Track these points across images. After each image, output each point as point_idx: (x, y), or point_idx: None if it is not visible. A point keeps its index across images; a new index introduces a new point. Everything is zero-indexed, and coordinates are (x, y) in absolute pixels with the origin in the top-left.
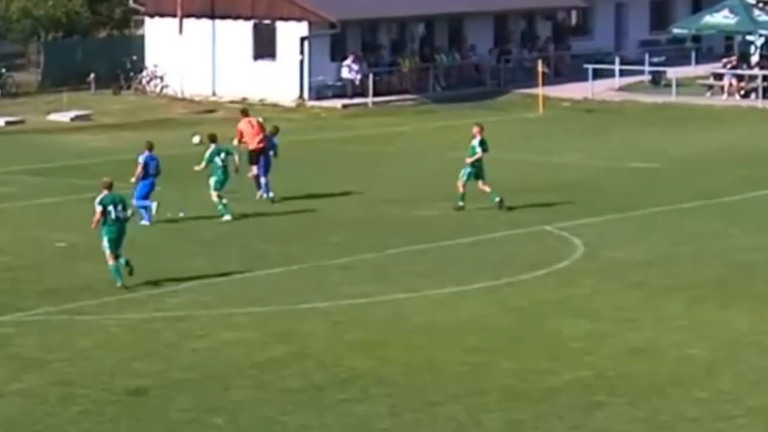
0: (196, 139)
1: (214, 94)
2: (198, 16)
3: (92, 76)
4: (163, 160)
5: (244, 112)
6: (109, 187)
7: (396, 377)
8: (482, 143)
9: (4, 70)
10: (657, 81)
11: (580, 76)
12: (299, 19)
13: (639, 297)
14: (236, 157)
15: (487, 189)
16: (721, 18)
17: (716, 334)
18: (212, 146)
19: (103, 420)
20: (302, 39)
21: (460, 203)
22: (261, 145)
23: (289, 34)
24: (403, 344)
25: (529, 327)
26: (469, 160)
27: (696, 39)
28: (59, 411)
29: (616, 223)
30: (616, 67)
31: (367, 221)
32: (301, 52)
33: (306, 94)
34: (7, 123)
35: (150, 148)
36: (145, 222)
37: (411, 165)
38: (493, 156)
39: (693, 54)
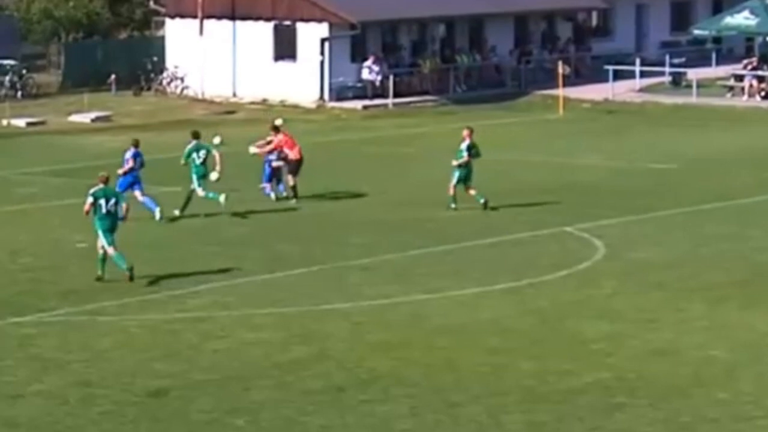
0: (216, 140)
1: (234, 95)
2: (218, 17)
3: (113, 77)
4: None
5: (277, 129)
6: (105, 181)
7: (417, 378)
8: (472, 147)
9: (25, 71)
10: (677, 82)
11: (601, 77)
12: (320, 20)
13: (659, 298)
14: (217, 157)
15: (473, 192)
16: (741, 19)
17: (737, 335)
18: (192, 142)
19: (124, 421)
20: (323, 40)
21: (453, 206)
22: (300, 156)
23: (310, 35)
24: (423, 345)
25: (550, 328)
26: (455, 163)
27: (716, 40)
28: (80, 412)
29: (637, 225)
30: (637, 68)
31: (388, 222)
32: (322, 53)
33: (326, 96)
34: (28, 124)
35: (136, 145)
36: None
37: (431, 166)
38: (514, 157)
39: (713, 55)
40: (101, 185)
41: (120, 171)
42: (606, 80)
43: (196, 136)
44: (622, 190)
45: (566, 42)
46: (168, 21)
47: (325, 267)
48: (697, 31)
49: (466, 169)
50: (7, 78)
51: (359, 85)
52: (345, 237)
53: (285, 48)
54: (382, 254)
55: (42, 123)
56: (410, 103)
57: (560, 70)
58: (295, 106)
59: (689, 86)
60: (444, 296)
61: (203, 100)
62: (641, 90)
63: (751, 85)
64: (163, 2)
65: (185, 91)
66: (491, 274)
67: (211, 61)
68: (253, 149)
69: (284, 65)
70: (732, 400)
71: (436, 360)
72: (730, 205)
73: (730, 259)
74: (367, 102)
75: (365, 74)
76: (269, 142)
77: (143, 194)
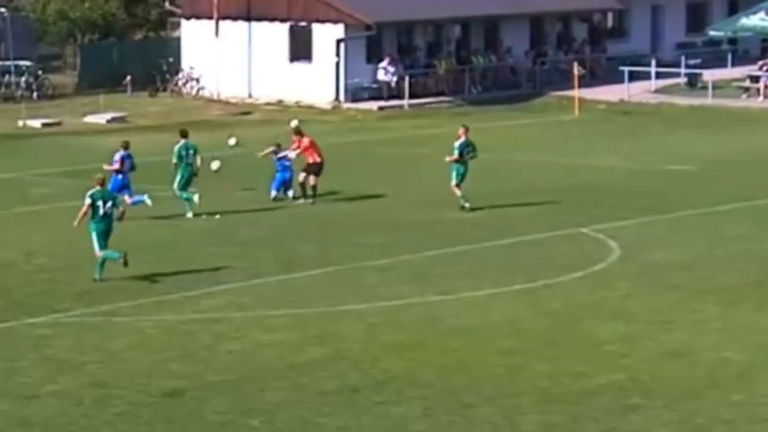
0: (232, 141)
1: (250, 96)
2: (234, 18)
3: (128, 78)
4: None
5: (300, 132)
6: (102, 183)
7: (431, 379)
8: (468, 145)
9: (40, 73)
10: (693, 83)
11: (616, 79)
12: (335, 21)
13: (674, 300)
14: (199, 157)
15: (458, 192)
16: (757, 20)
17: (751, 337)
18: (181, 141)
19: (139, 422)
20: (338, 41)
21: (465, 204)
22: (321, 159)
23: (325, 36)
24: (438, 346)
25: (565, 329)
26: (448, 159)
27: (732, 41)
28: (95, 412)
29: (652, 226)
30: (652, 70)
31: (404, 223)
32: (337, 54)
33: (342, 96)
34: (44, 125)
35: (125, 146)
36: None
37: (446, 167)
38: (529, 158)
39: (729, 56)
40: (98, 187)
41: (107, 167)
42: (621, 81)
43: (184, 135)
44: (638, 192)
45: (581, 43)
46: (183, 22)
47: (340, 268)
48: (712, 32)
49: (463, 166)
50: (23, 79)
51: (375, 86)
52: (361, 238)
53: (300, 49)
54: (397, 255)
55: (58, 124)
56: (426, 104)
57: (575, 71)
58: (311, 107)
59: (705, 87)
60: (459, 297)
61: (219, 101)
62: (657, 91)
63: (766, 86)
64: (178, 3)
65: (201, 92)
66: (506, 275)
67: (227, 62)
68: (291, 154)
69: (300, 66)
70: (747, 401)
71: (450, 361)
72: (746, 206)
73: (745, 261)
74: (382, 103)
75: (381, 75)
76: (294, 146)
77: (131, 196)
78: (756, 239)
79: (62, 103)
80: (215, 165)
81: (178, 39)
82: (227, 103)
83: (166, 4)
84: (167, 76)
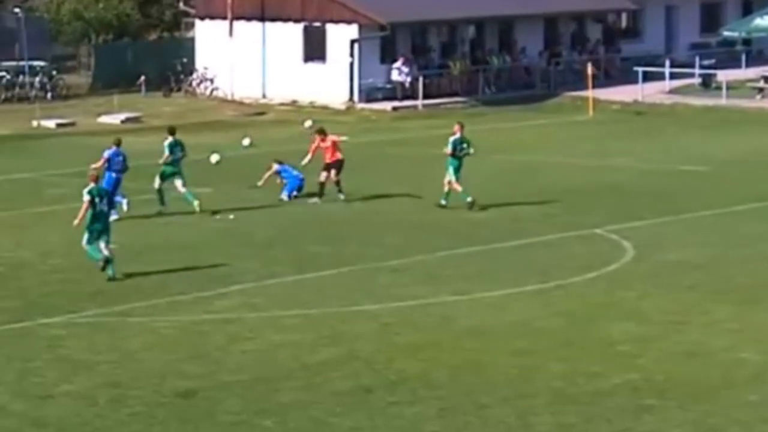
0: (246, 142)
1: (264, 96)
2: (248, 19)
3: (142, 78)
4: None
5: (323, 132)
6: (95, 179)
7: (445, 380)
8: (462, 141)
9: (55, 73)
10: (707, 84)
11: (630, 79)
12: (349, 22)
13: (689, 300)
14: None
15: (445, 189)
16: None
17: (767, 337)
18: (169, 138)
19: (153, 422)
20: (352, 41)
21: (469, 200)
22: (335, 158)
23: (339, 36)
24: (452, 347)
25: (579, 330)
26: (446, 151)
27: (746, 42)
28: (108, 413)
29: (666, 226)
30: (666, 70)
31: (417, 223)
32: (351, 55)
33: (356, 97)
34: (58, 125)
35: (117, 144)
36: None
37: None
38: (543, 158)
39: (743, 57)
40: (93, 184)
41: (94, 165)
42: (636, 82)
43: (172, 132)
44: (652, 192)
45: (596, 43)
46: (198, 22)
47: (354, 268)
48: (726, 33)
49: (457, 162)
50: (38, 79)
51: (389, 86)
52: (375, 238)
53: (315, 49)
54: (411, 255)
55: (72, 124)
56: (440, 104)
57: (589, 71)
58: (325, 108)
59: (719, 88)
60: (472, 298)
61: (233, 102)
62: (671, 92)
63: None
64: (192, 4)
65: (215, 93)
66: (520, 276)
67: (241, 62)
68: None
69: (314, 66)
70: (762, 402)
71: (464, 362)
72: (760, 206)
73: (759, 261)
74: (396, 103)
75: (395, 75)
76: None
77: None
78: None
79: (76, 104)
80: (215, 158)
81: (192, 39)
82: (241, 103)
83: (181, 4)
84: (181, 76)
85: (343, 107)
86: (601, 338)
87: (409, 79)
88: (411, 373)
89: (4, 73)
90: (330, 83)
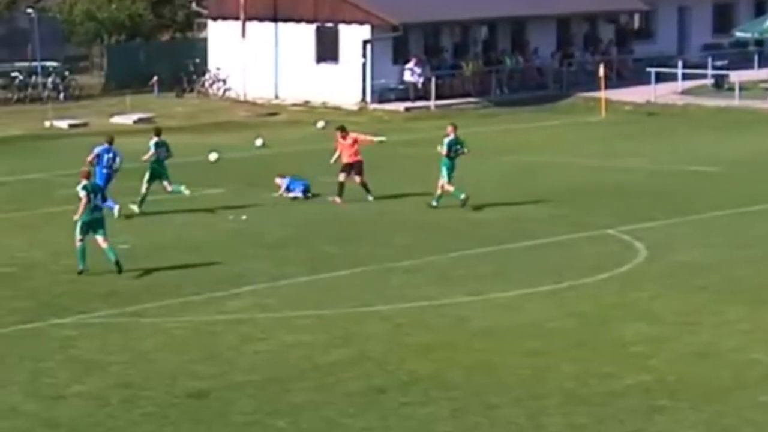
0: (258, 142)
1: (276, 97)
2: (261, 19)
3: (155, 79)
4: (226, 163)
5: (344, 130)
6: (87, 176)
7: (457, 380)
8: (457, 142)
9: (67, 73)
10: (720, 85)
11: (643, 80)
12: (362, 22)
13: (701, 301)
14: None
15: (439, 191)
16: None
17: None
18: (154, 139)
19: (165, 423)
20: (365, 42)
21: (462, 197)
22: (353, 160)
23: (352, 37)
24: (464, 347)
25: (591, 331)
26: (441, 150)
27: (759, 43)
28: (121, 413)
29: (679, 227)
30: (679, 71)
31: (430, 224)
32: (364, 55)
33: (368, 97)
34: (71, 126)
35: (110, 141)
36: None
37: (473, 168)
38: (556, 159)
39: (756, 58)
40: (85, 180)
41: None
42: (648, 82)
43: (158, 132)
44: (664, 193)
45: (608, 44)
46: (210, 23)
47: (366, 269)
48: (739, 34)
49: (451, 163)
50: (50, 80)
51: (401, 87)
52: (387, 238)
53: (327, 50)
54: (423, 256)
55: (84, 125)
56: (452, 105)
57: (600, 72)
58: (337, 108)
59: (731, 89)
60: (485, 298)
61: (245, 102)
62: (683, 92)
63: None
64: (205, 4)
65: (227, 93)
66: (532, 277)
67: (253, 62)
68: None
69: (326, 67)
70: None
71: (476, 362)
72: None
73: None
74: (409, 104)
75: (407, 76)
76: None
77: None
78: None
79: (89, 104)
80: (213, 156)
81: (205, 40)
82: (254, 104)
83: (193, 5)
84: (194, 77)
85: (355, 108)
86: (613, 339)
87: (421, 80)
88: (423, 373)
89: (17, 74)
90: (342, 84)
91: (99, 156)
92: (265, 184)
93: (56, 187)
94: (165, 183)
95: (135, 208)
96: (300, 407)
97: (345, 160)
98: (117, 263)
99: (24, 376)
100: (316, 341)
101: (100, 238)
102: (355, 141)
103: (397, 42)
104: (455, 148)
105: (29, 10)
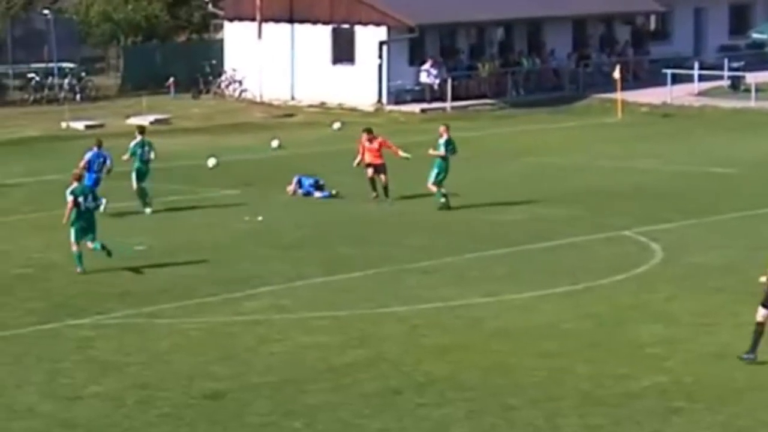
0: (274, 144)
1: (292, 98)
2: (277, 21)
3: (171, 80)
4: (242, 164)
5: (371, 132)
6: (79, 179)
7: (473, 382)
8: (449, 143)
9: (84, 74)
10: (736, 86)
11: (659, 81)
12: (378, 24)
13: (717, 302)
14: (153, 153)
15: (434, 189)
16: None
17: None
18: (138, 138)
19: (181, 423)
20: (381, 43)
21: (442, 200)
22: (373, 161)
23: (368, 38)
24: (480, 348)
25: (607, 332)
26: (432, 152)
27: None
28: (137, 414)
29: (695, 228)
30: (695, 72)
31: (445, 225)
32: (380, 57)
33: (384, 99)
34: (87, 127)
35: (99, 145)
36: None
37: (489, 169)
38: (572, 161)
39: None
40: (76, 183)
41: (76, 170)
42: (664, 84)
43: (141, 131)
44: (680, 194)
45: (624, 45)
46: (226, 24)
47: (382, 270)
48: (755, 35)
49: (444, 164)
50: (66, 81)
51: (417, 88)
52: (402, 239)
53: (343, 51)
54: (439, 257)
55: (100, 126)
56: (468, 106)
57: (615, 74)
58: (353, 110)
59: (748, 90)
60: (501, 300)
61: (261, 103)
62: (699, 94)
63: None
64: (221, 5)
65: (243, 94)
66: (548, 278)
67: (270, 64)
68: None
69: (342, 68)
70: None
71: (492, 363)
72: None
73: None
74: (425, 105)
75: (423, 77)
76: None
77: None
78: None
79: (105, 105)
80: (211, 162)
81: (221, 41)
82: (270, 105)
83: (209, 6)
84: (210, 78)
85: (371, 109)
86: (629, 340)
87: (437, 81)
88: (439, 374)
89: (33, 75)
90: (359, 85)
91: (90, 161)
92: (281, 185)
93: None
94: (143, 184)
95: (148, 210)
96: (316, 408)
97: (368, 160)
98: (103, 247)
99: (41, 377)
100: (332, 342)
101: (89, 243)
102: (381, 145)
103: (413, 43)
104: (449, 149)
105: (46, 12)
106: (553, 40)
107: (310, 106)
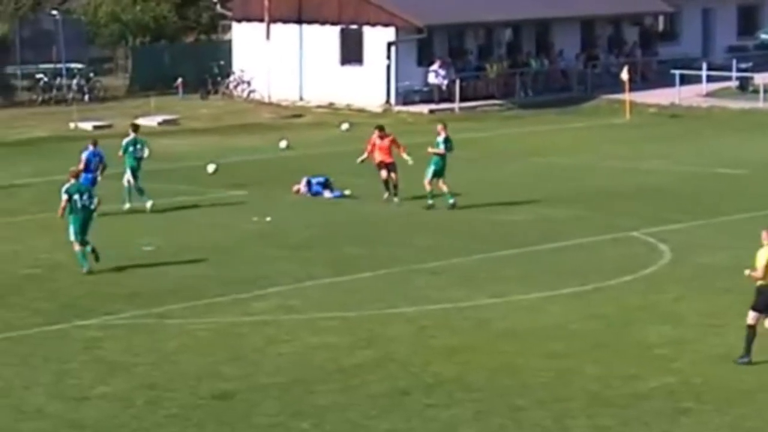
0: (283, 144)
1: (301, 98)
2: (285, 21)
3: (180, 80)
4: (250, 164)
5: (383, 129)
6: (76, 176)
7: (481, 382)
8: (446, 141)
9: (92, 75)
10: (744, 87)
11: (667, 82)
12: (386, 24)
13: (725, 303)
14: (147, 150)
15: (445, 188)
16: None
17: None
18: (131, 135)
19: (189, 424)
20: (389, 44)
21: (429, 201)
22: (382, 159)
23: (376, 39)
24: (488, 349)
25: (615, 333)
26: (430, 150)
27: None
28: (145, 415)
29: (703, 229)
30: (703, 73)
31: (454, 226)
32: (388, 57)
33: (393, 99)
34: (95, 127)
35: (94, 144)
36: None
37: (497, 170)
38: (580, 161)
39: None
40: (73, 180)
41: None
42: (672, 85)
43: (135, 129)
44: (689, 195)
45: (633, 46)
46: (235, 25)
47: (390, 271)
48: (764, 36)
49: (441, 162)
50: (75, 81)
51: (426, 89)
52: (411, 240)
53: (352, 52)
54: (447, 258)
55: (109, 126)
56: (476, 107)
57: (623, 75)
58: (362, 110)
59: (756, 91)
60: (509, 300)
61: (270, 104)
62: (708, 95)
63: None
64: (230, 6)
65: (252, 95)
66: (556, 279)
67: (278, 64)
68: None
69: (351, 69)
70: None
71: (500, 364)
72: None
73: None
74: (433, 106)
75: (432, 78)
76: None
77: None
78: None
79: (113, 106)
80: (211, 168)
81: (230, 42)
82: (278, 105)
83: (218, 7)
84: (218, 78)
85: (379, 110)
86: (637, 341)
87: (445, 82)
88: (447, 375)
89: (41, 76)
90: (367, 86)
91: (87, 161)
92: (288, 186)
93: None
94: (132, 179)
95: (148, 205)
96: (324, 409)
97: (379, 158)
98: (93, 251)
99: (48, 378)
100: (341, 343)
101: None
102: (392, 142)
103: (421, 44)
104: (447, 146)
105: (54, 12)
106: (561, 41)
107: (319, 106)
